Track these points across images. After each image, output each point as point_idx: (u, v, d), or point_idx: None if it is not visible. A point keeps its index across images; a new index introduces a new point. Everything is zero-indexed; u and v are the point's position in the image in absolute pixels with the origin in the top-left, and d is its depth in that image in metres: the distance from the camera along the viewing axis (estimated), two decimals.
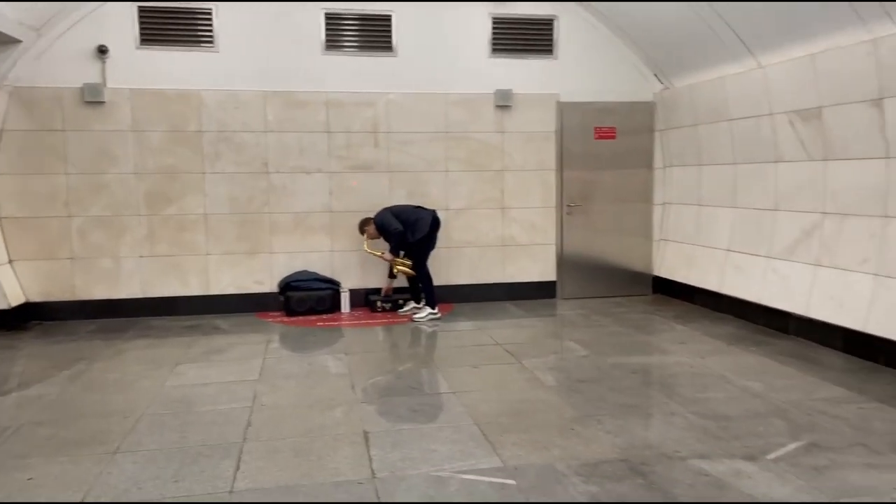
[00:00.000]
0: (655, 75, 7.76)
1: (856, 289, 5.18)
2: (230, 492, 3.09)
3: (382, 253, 6.91)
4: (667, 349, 5.63)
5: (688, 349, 5.54)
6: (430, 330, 6.51)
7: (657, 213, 8.00)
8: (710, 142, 6.97)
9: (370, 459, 3.42)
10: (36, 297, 6.79)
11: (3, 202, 6.63)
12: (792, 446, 3.50)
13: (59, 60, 6.64)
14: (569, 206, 7.85)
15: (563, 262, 7.92)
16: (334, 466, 3.35)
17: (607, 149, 7.85)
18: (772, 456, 3.39)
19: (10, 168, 6.62)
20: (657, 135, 7.90)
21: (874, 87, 4.86)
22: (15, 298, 6.57)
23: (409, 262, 6.93)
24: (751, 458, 3.37)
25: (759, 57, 6.01)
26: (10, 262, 6.68)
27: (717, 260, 6.92)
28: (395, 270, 7.00)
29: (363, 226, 6.98)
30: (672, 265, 7.77)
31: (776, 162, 6.04)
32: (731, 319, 6.52)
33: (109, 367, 5.22)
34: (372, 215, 6.95)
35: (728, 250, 6.77)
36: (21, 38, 6.27)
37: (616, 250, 8.01)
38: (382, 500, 2.98)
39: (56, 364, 5.32)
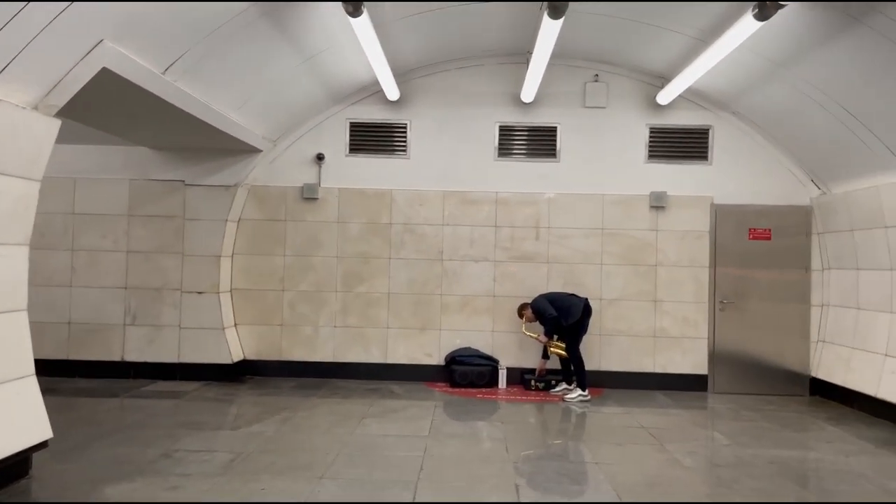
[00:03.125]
0: (812, 181, 8.03)
1: None
2: None
3: (538, 335, 7.66)
4: (811, 446, 5.78)
5: (832, 448, 5.67)
6: (579, 410, 7.07)
7: (815, 314, 8.05)
8: (867, 247, 7.09)
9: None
10: (251, 356, 8.27)
11: (236, 276, 8.27)
12: None
13: (286, 165, 8.32)
14: (722, 302, 8.16)
15: (715, 356, 8.17)
16: None
17: (762, 249, 8.14)
18: None
19: (243, 249, 8.28)
20: (815, 237, 8.06)
21: None
22: (236, 355, 8.06)
23: (562, 345, 7.61)
24: None
25: None
26: (235, 325, 8.24)
27: (875, 364, 6.90)
28: (549, 352, 7.70)
29: (521, 310, 7.80)
30: (830, 367, 7.75)
31: None
32: (888, 425, 6.45)
33: (310, 416, 6.37)
34: (529, 301, 7.76)
35: (886, 355, 6.75)
36: (262, 149, 7.99)
37: (771, 349, 8.12)
38: None
39: (268, 410, 6.56)
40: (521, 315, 7.81)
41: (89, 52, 4.37)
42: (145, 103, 5.51)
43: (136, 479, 4.41)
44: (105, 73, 4.59)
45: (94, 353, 7.94)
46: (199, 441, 5.41)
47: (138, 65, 4.89)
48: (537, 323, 7.69)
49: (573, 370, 7.58)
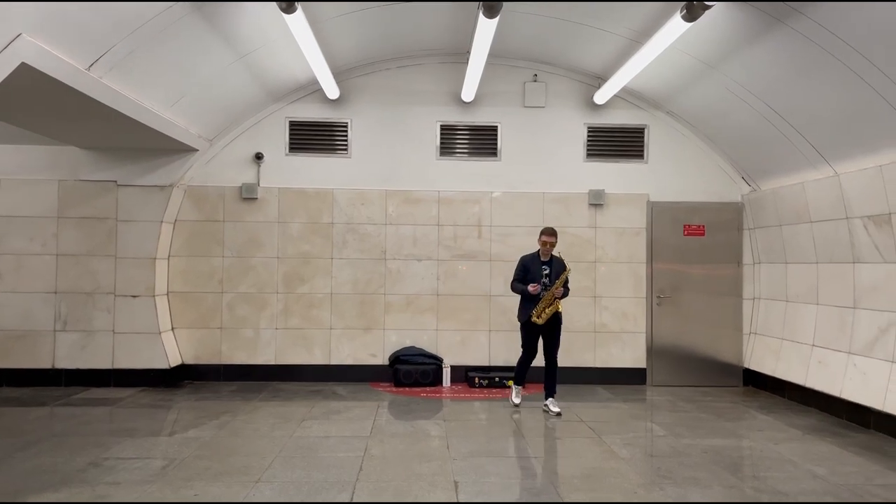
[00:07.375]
0: (743, 178, 8.30)
1: None
2: None
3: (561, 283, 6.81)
4: (743, 435, 5.97)
5: (763, 436, 5.86)
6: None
7: (747, 307, 8.33)
8: (794, 241, 7.37)
9: (457, 501, 4.11)
10: (189, 360, 8.07)
11: (172, 279, 8.06)
12: None
13: (224, 164, 8.15)
14: (659, 296, 8.36)
15: (653, 350, 8.36)
16: None
17: (696, 244, 8.37)
18: None
19: (180, 251, 8.07)
20: (747, 233, 8.34)
21: None
22: (174, 360, 7.85)
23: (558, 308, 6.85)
24: None
25: (834, 165, 6.49)
26: (173, 329, 8.02)
27: (803, 354, 7.17)
28: (544, 309, 6.81)
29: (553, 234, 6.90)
30: (761, 358, 8.02)
31: (854, 262, 6.38)
32: (816, 412, 6.72)
33: (249, 420, 6.25)
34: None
35: (813, 345, 7.03)
36: (198, 148, 7.81)
37: (706, 341, 8.36)
38: None
39: (206, 415, 6.41)
40: (551, 236, 6.86)
41: (6, 46, 4.19)
42: (71, 100, 5.31)
43: (61, 490, 4.24)
44: (25, 68, 4.42)
45: (23, 361, 7.63)
46: (131, 448, 5.24)
47: (60, 60, 4.71)
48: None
49: (551, 373, 6.91)
